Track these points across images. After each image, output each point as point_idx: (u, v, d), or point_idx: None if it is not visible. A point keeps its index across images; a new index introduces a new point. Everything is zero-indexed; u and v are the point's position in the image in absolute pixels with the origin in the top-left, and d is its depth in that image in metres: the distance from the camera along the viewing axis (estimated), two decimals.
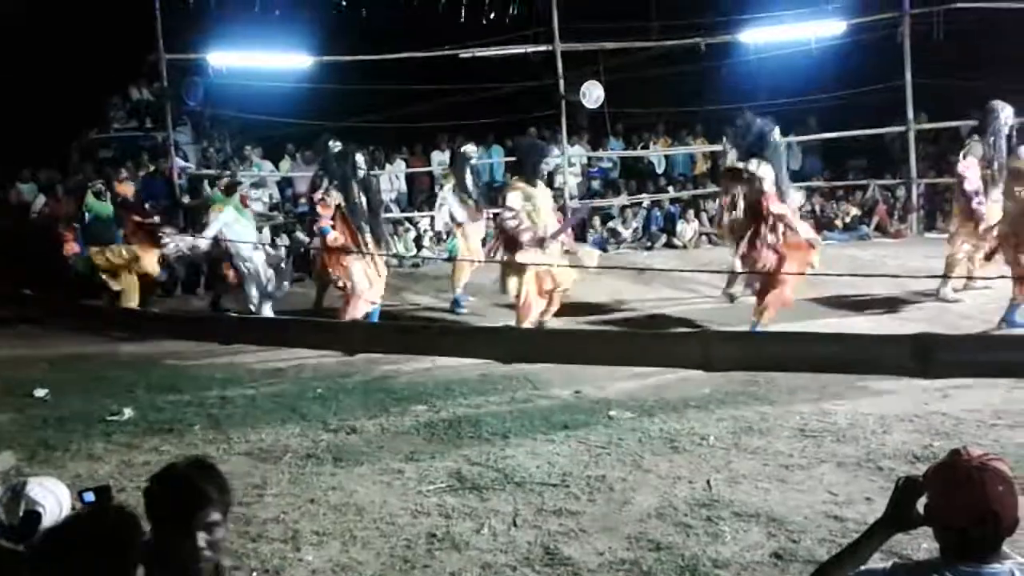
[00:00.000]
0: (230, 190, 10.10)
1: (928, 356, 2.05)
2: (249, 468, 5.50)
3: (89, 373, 8.06)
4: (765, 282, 7.58)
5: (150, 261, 10.01)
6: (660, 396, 6.42)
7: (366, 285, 8.66)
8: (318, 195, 8.80)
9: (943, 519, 2.18)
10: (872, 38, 13.84)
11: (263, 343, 6.89)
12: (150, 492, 2.38)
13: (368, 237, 8.87)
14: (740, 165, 7.78)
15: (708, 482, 4.94)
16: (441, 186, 11.00)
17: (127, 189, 10.55)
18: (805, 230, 7.90)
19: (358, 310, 8.59)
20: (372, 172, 14.85)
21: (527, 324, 7.89)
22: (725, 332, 2.17)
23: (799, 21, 13.87)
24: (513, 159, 8.93)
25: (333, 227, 8.76)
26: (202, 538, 2.31)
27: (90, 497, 2.53)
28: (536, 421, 6.09)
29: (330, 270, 8.89)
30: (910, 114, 13.57)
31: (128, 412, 6.67)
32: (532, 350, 2.75)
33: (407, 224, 13.97)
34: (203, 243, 9.35)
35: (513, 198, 8.16)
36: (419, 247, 13.56)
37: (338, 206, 8.73)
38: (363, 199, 8.87)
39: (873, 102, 13.85)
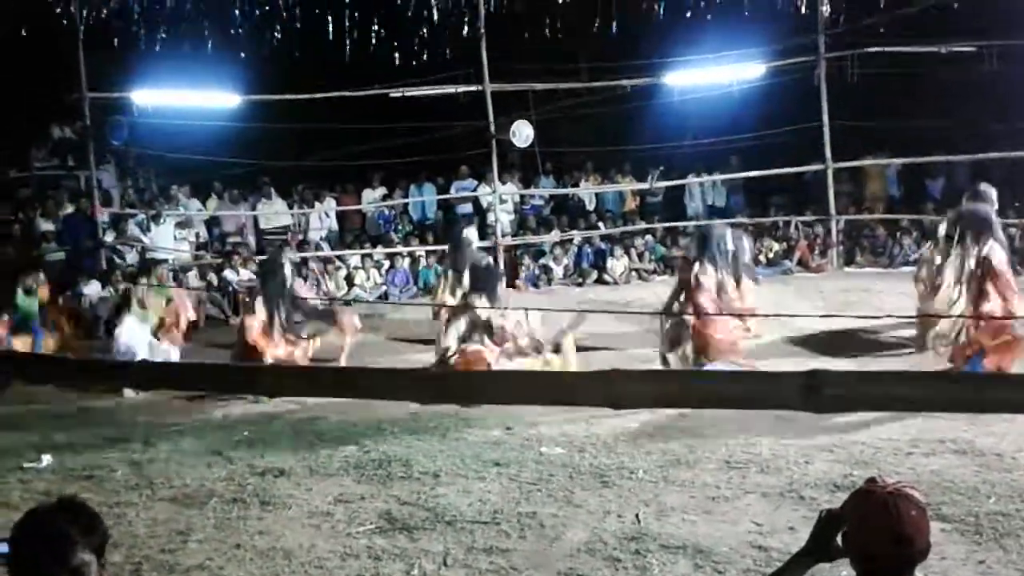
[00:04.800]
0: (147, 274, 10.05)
1: (816, 392, 2.14)
2: (173, 514, 5.37)
3: (5, 419, 7.77)
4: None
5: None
6: (590, 431, 6.49)
7: None
8: None
9: (859, 545, 2.25)
10: (790, 80, 14.35)
11: (180, 388, 6.74)
12: (10, 542, 2.26)
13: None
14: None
15: (637, 516, 5.00)
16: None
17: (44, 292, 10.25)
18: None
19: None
20: (302, 211, 14.91)
21: None
22: (629, 371, 2.23)
23: (720, 64, 14.31)
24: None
25: None
26: None
27: (4, 548, 2.44)
28: (467, 459, 6.08)
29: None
30: (828, 153, 14.09)
31: (47, 459, 6.45)
32: (444, 391, 2.77)
33: (337, 262, 13.89)
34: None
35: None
36: (350, 285, 13.49)
37: None
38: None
39: (793, 141, 14.34)
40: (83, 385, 7.89)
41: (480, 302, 8.04)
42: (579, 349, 8.17)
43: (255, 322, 8.60)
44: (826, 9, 14.02)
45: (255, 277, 11.41)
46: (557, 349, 7.90)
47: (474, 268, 8.79)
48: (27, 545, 2.22)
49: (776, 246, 14.54)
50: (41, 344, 9.60)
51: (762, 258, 14.30)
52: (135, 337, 9.12)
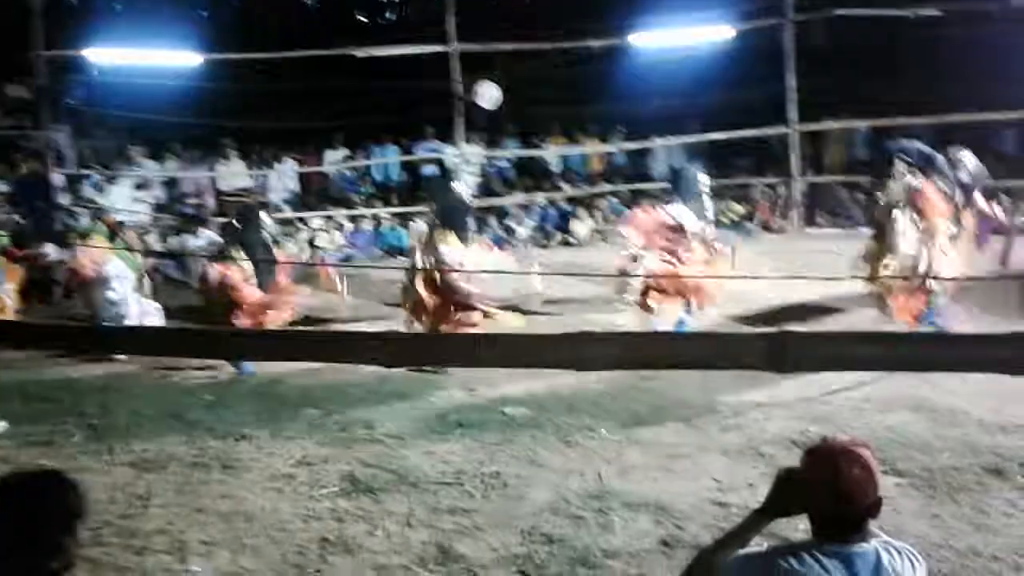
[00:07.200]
0: (114, 229, 9.76)
1: (781, 353, 2.17)
2: (133, 479, 5.32)
3: None
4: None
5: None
6: (553, 392, 6.51)
7: None
8: None
9: (806, 501, 2.30)
10: (756, 43, 14.33)
11: (145, 353, 6.64)
12: None
13: None
14: None
15: (599, 474, 5.05)
16: None
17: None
18: None
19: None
20: (262, 173, 14.66)
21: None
22: (596, 333, 2.24)
23: (687, 25, 14.24)
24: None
25: None
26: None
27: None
28: (431, 421, 6.09)
29: None
30: (792, 115, 14.12)
31: (3, 425, 6.34)
32: (414, 354, 2.77)
33: (299, 224, 13.74)
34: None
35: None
36: (312, 247, 13.35)
37: None
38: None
39: (757, 104, 14.33)
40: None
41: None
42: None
43: (236, 274, 8.25)
44: None
45: (219, 238, 11.20)
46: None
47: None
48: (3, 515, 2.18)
49: (739, 208, 14.60)
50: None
51: (725, 220, 14.36)
52: (123, 274, 8.95)
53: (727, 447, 5.32)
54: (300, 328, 8.26)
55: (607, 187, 15.34)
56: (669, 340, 2.75)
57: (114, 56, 13.05)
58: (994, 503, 4.43)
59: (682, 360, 2.47)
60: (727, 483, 4.82)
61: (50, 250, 11.67)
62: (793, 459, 2.41)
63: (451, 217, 8.00)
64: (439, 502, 4.79)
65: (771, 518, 2.39)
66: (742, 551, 2.35)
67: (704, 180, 8.24)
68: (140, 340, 3.54)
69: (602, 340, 2.53)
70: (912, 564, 2.28)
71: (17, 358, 8.40)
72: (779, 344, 2.21)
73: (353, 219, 13.93)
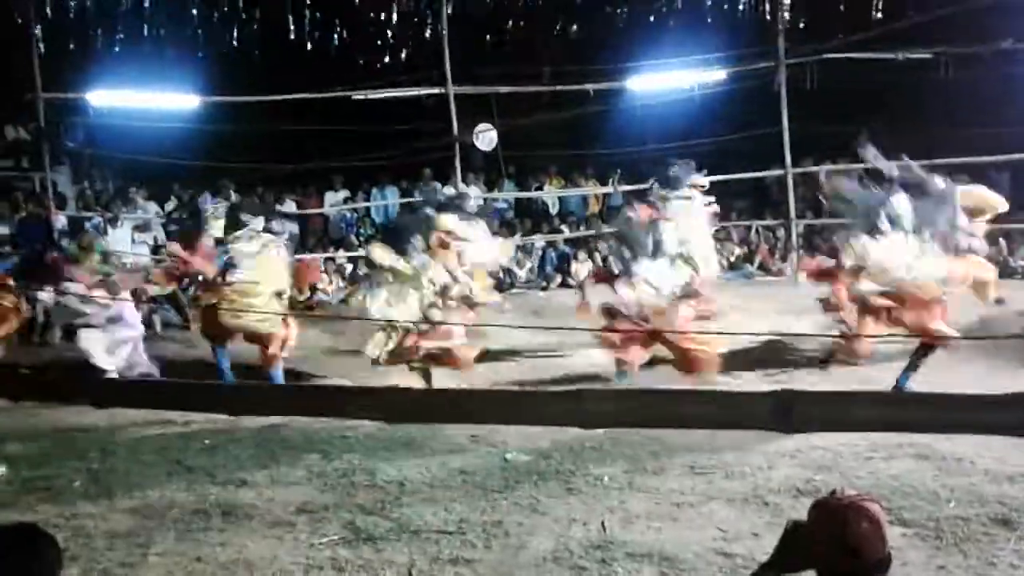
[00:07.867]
0: (87, 248, 9.80)
1: (788, 412, 2.18)
2: (133, 526, 5.27)
3: None
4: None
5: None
6: (556, 438, 6.48)
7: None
8: None
9: (814, 557, 2.28)
10: (751, 86, 14.50)
11: (140, 406, 6.60)
12: None
13: None
14: None
15: (602, 523, 5.00)
16: None
17: None
18: None
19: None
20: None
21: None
22: (599, 390, 2.24)
23: (683, 69, 14.43)
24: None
25: None
26: None
27: None
28: (433, 467, 6.05)
29: None
30: (787, 158, 14.24)
31: (1, 469, 6.30)
32: (413, 411, 2.78)
33: None
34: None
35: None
36: (312, 289, 13.34)
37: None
38: None
39: (753, 147, 14.47)
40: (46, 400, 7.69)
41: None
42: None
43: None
44: (786, 14, 14.22)
45: None
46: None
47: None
48: None
49: (737, 250, 14.66)
50: None
51: (724, 262, 14.41)
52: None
53: (732, 495, 5.28)
54: (296, 384, 8.26)
55: (606, 228, 15.38)
56: (673, 398, 2.76)
57: (114, 99, 13.17)
58: (1001, 554, 4.39)
59: (685, 419, 2.47)
60: (732, 532, 4.77)
61: (49, 293, 11.66)
62: (799, 508, 2.41)
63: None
64: (440, 552, 4.74)
65: (778, 573, 2.37)
66: None
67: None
68: (129, 393, 3.54)
69: (605, 397, 2.53)
70: None
71: (13, 402, 8.36)
72: (785, 403, 2.21)
73: (353, 261, 13.95)
